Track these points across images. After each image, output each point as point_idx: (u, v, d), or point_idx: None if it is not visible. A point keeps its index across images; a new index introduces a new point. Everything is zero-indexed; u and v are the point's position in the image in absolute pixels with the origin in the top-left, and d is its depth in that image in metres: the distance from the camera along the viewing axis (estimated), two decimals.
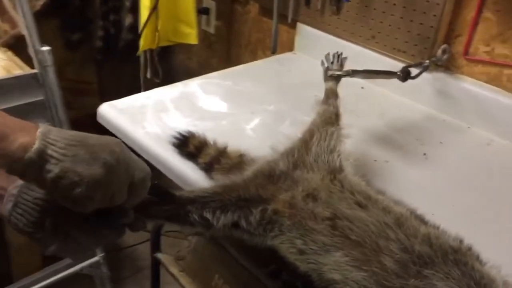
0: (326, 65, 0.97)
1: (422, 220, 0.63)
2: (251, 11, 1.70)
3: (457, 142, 1.12)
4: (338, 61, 0.97)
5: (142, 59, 1.56)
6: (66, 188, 0.53)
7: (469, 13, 1.13)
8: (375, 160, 1.01)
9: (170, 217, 0.68)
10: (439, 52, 1.18)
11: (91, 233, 0.61)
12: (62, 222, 0.60)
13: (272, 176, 0.75)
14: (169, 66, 1.91)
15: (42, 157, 0.52)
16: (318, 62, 1.46)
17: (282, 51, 1.57)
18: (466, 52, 1.17)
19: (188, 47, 1.78)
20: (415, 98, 1.26)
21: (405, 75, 1.09)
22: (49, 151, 0.52)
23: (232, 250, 1.23)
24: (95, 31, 1.84)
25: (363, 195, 0.68)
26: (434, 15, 1.14)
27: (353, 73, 0.96)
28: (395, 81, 1.17)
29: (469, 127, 1.18)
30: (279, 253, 0.70)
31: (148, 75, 1.56)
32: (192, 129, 1.02)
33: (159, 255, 1.25)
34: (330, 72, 0.95)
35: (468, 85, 1.18)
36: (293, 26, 1.52)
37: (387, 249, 0.58)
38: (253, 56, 1.76)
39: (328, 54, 0.98)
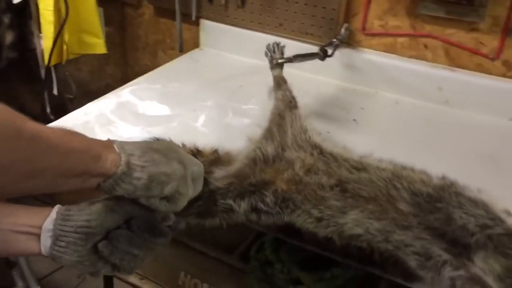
0: (269, 55, 1.05)
1: (410, 169, 0.76)
2: (145, 13, 1.69)
3: (372, 105, 1.30)
4: (278, 49, 1.05)
5: (43, 76, 1.47)
6: (158, 188, 0.58)
7: None
8: (320, 133, 1.13)
9: (201, 211, 0.72)
10: (343, 30, 1.34)
11: (143, 244, 0.63)
12: (115, 242, 0.61)
13: (266, 160, 0.83)
14: (56, 80, 1.80)
15: (130, 167, 0.56)
16: (228, 55, 1.55)
17: (187, 49, 1.61)
18: (364, 28, 1.35)
19: (74, 58, 1.70)
20: (326, 75, 1.41)
21: (324, 55, 1.23)
22: (133, 161, 0.57)
23: (196, 245, 1.27)
24: None
25: (354, 160, 0.79)
26: None
27: (294, 58, 1.06)
28: (306, 62, 1.30)
29: (376, 92, 1.37)
30: (296, 227, 0.78)
31: (55, 92, 1.48)
32: (147, 136, 1.03)
33: None
34: (274, 61, 1.03)
35: (369, 56, 1.36)
36: (195, 23, 1.56)
37: (400, 196, 0.70)
38: (154, 58, 1.76)
39: (269, 44, 1.06)
